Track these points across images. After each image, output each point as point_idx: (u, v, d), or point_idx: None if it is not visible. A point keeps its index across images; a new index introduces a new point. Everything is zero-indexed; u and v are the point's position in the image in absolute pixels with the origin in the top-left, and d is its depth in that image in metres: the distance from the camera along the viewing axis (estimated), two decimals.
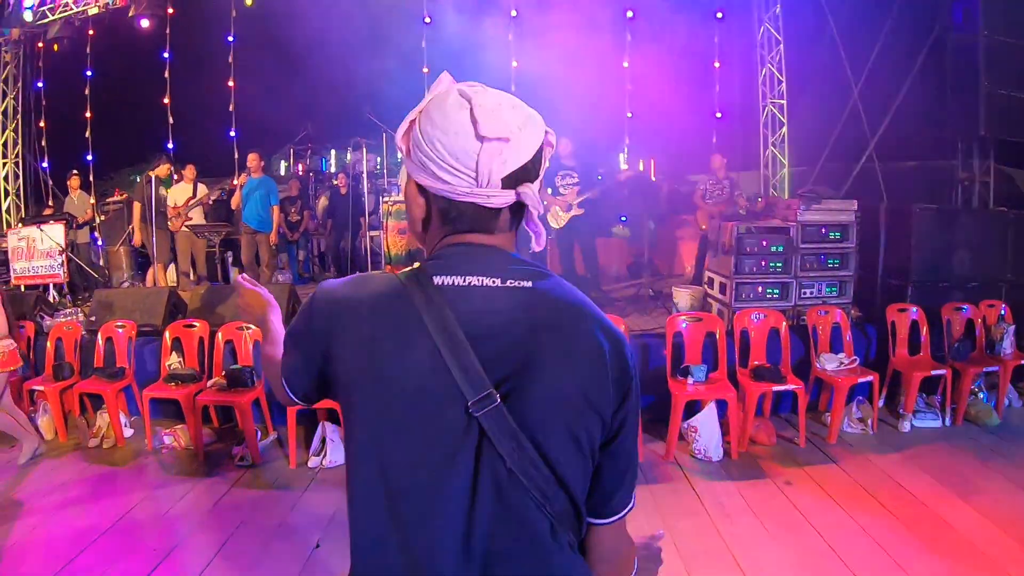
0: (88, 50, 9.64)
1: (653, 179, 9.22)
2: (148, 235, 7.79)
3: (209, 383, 5.04)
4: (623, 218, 7.59)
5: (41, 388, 5.41)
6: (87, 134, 9.71)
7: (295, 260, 9.12)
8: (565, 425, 0.99)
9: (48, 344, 5.68)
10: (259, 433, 4.96)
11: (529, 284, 1.02)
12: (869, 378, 4.50)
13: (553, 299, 1.02)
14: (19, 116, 9.95)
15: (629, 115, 7.78)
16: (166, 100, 9.10)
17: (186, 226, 7.69)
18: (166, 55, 9.12)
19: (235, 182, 7.69)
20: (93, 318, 6.17)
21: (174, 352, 5.39)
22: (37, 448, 4.76)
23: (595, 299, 5.51)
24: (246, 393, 4.75)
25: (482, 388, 0.96)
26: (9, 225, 9.28)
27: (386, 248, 6.34)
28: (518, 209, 1.05)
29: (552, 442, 0.98)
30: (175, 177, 8.13)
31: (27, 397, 5.54)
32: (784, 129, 8.11)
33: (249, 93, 8.48)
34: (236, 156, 9.00)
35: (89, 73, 9.72)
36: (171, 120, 9.22)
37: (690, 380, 4.29)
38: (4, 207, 10.21)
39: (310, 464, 4.50)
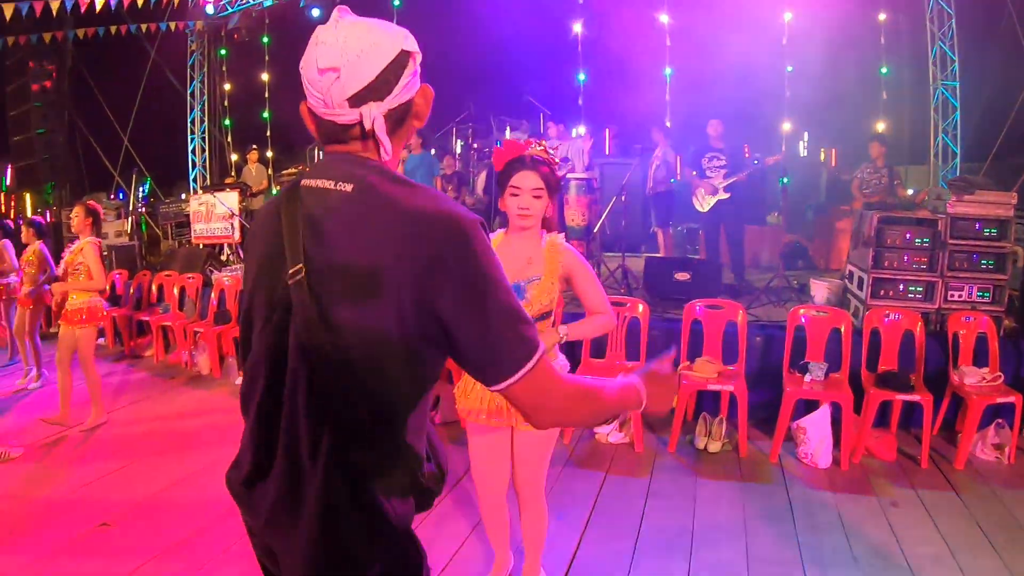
0: (266, 38, 10.95)
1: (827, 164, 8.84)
2: None
3: None
4: (780, 205, 7.30)
5: (201, 330, 6.49)
6: (266, 112, 10.92)
7: None
8: (353, 299, 1.10)
9: (212, 294, 6.78)
10: None
11: (350, 188, 1.15)
12: (1012, 399, 3.90)
13: (369, 196, 1.14)
14: (205, 98, 11.42)
15: (787, 95, 7.44)
16: None
17: None
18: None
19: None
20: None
21: None
22: (101, 420, 5.00)
23: (734, 287, 5.45)
24: None
25: (296, 263, 1.13)
26: (195, 192, 10.63)
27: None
28: (395, 118, 1.20)
29: (344, 316, 1.10)
30: None
31: (191, 337, 6.53)
32: (957, 115, 7.43)
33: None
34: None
35: (266, 59, 10.93)
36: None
37: (807, 377, 4.07)
38: (192, 176, 11.80)
39: None
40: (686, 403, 4.21)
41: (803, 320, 4.28)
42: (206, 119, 11.66)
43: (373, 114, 1.14)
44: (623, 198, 6.01)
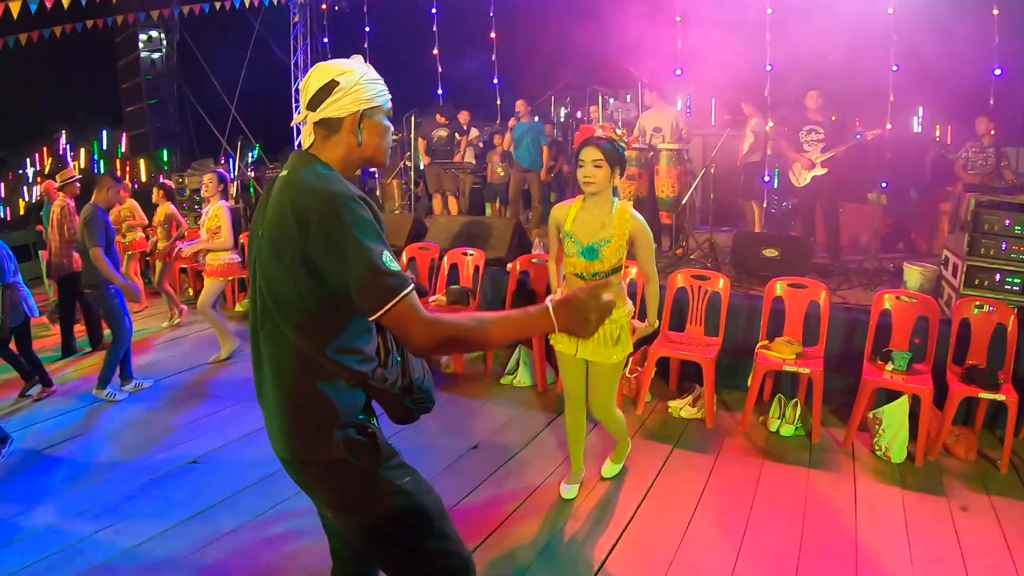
0: (365, 8, 11.20)
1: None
2: (432, 172, 8.97)
3: (432, 299, 5.82)
4: (883, 184, 6.88)
5: None
6: None
7: (547, 202, 9.28)
8: (272, 256, 1.61)
9: None
10: None
11: (286, 173, 1.68)
12: None
13: (290, 176, 1.65)
14: (308, 68, 11.90)
15: (894, 68, 6.97)
16: (435, 51, 10.22)
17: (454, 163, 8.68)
18: (434, 10, 10.26)
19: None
20: None
21: (409, 270, 6.29)
22: (235, 349, 5.92)
23: (825, 267, 5.47)
24: (460, 311, 5.43)
25: (258, 229, 1.69)
26: None
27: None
28: (327, 128, 1.69)
29: (267, 267, 1.63)
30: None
31: None
32: None
33: (510, 43, 9.16)
34: (499, 102, 9.74)
35: (367, 29, 11.24)
36: (440, 69, 10.32)
37: (888, 366, 3.85)
38: (297, 143, 12.40)
39: (501, 381, 5.07)
40: (760, 382, 4.15)
41: (888, 306, 4.08)
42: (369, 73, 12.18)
43: (310, 117, 1.69)
44: (712, 170, 5.87)
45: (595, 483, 3.57)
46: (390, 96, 1.74)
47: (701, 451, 3.88)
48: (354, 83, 1.66)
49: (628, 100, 8.91)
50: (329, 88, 1.65)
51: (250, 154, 13.96)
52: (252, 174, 11.43)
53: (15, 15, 7.66)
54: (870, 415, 3.86)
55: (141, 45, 15.11)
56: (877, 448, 3.78)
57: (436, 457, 3.90)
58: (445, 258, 6.06)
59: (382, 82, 1.74)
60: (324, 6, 11.66)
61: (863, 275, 5.34)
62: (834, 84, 5.94)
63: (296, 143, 12.26)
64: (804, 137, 5.72)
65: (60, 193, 6.38)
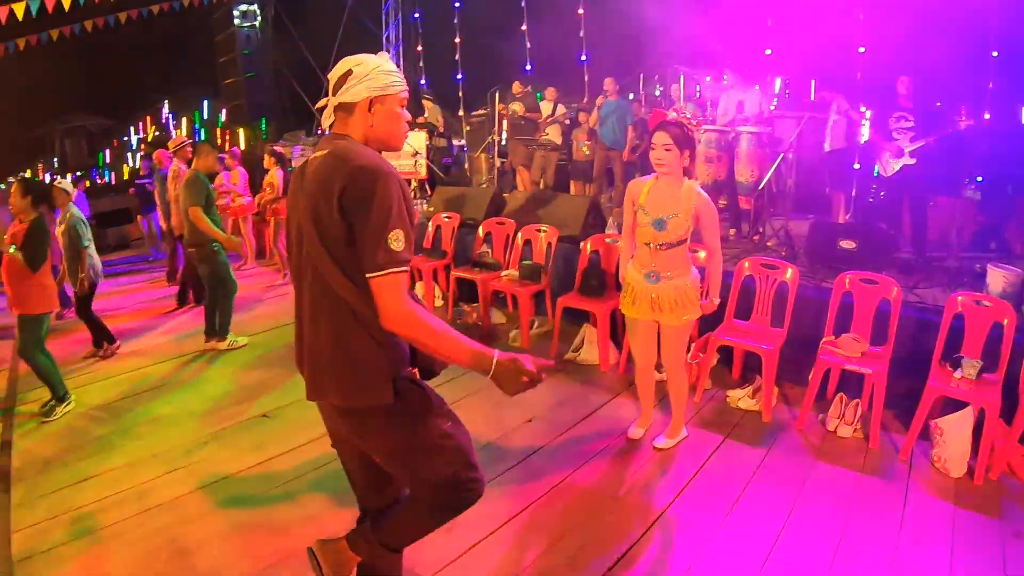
0: None
1: None
2: (512, 147, 9.06)
3: (504, 273, 5.92)
4: (978, 178, 6.40)
5: None
6: (456, 56, 11.34)
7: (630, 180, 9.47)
8: (317, 224, 1.81)
9: None
10: (535, 323, 5.77)
11: (323, 152, 1.88)
12: None
13: (330, 154, 1.84)
14: (400, 42, 12.11)
15: (995, 54, 6.41)
16: (524, 27, 10.15)
17: (536, 140, 8.71)
18: None
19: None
20: (431, 208, 7.56)
21: (486, 243, 6.41)
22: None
23: (907, 262, 5.29)
24: (530, 286, 5.51)
25: (295, 204, 1.94)
26: None
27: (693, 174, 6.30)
28: (345, 111, 1.93)
29: (314, 234, 1.82)
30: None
31: None
32: None
33: (597, 20, 8.98)
34: (586, 79, 9.64)
35: (457, 4, 11.22)
36: (528, 45, 10.27)
37: (957, 373, 3.60)
38: None
39: (566, 357, 5.12)
40: (822, 379, 3.99)
41: (962, 309, 3.79)
42: (401, 62, 12.40)
43: (331, 103, 1.94)
44: (790, 155, 5.62)
45: (640, 463, 3.61)
46: (406, 87, 1.94)
47: (753, 444, 3.80)
48: (367, 72, 1.89)
49: (709, 80, 8.62)
50: (345, 76, 1.90)
51: None
52: None
53: None
54: (932, 423, 3.63)
55: (236, 21, 15.82)
56: (936, 459, 3.55)
57: (489, 427, 4.05)
58: (520, 233, 6.14)
59: (397, 73, 1.94)
60: None
61: (946, 274, 4.98)
62: (928, 69, 5.53)
63: None
64: (893, 124, 5.34)
65: (174, 158, 6.89)
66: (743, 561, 2.82)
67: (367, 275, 1.77)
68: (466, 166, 10.74)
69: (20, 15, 8.11)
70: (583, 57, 8.99)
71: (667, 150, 3.23)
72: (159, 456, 3.85)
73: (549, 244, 5.81)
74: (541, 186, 9.08)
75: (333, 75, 1.93)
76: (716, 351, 4.60)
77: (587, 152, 8.78)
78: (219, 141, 18.36)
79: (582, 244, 5.54)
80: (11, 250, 4.46)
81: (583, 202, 6.43)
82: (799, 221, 6.06)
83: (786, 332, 4.28)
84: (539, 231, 5.94)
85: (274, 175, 8.12)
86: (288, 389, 4.68)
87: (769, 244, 5.71)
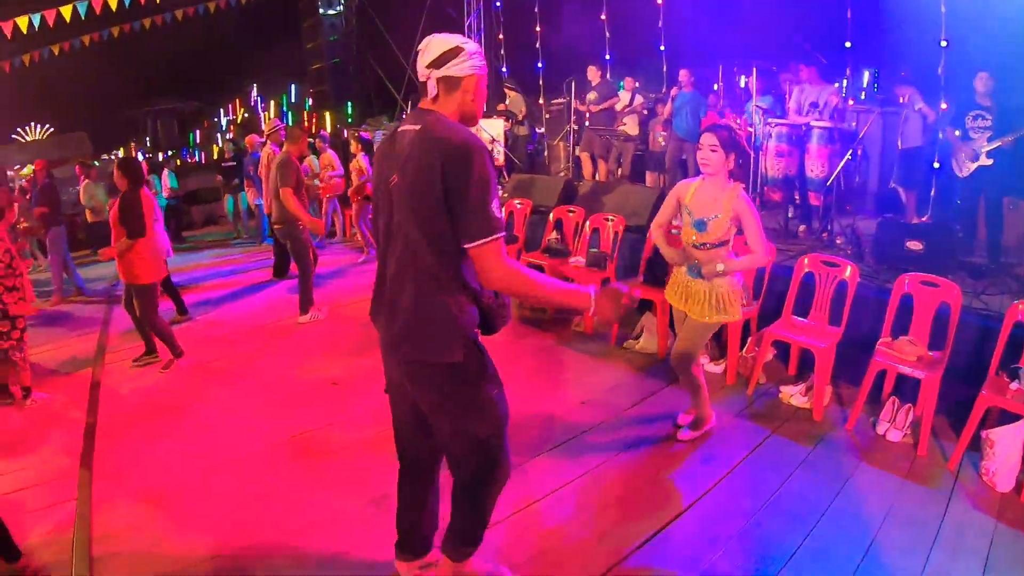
0: None
1: None
2: (585, 135, 9.12)
3: (572, 260, 6.06)
4: None
5: None
6: (537, 45, 11.42)
7: None
8: (413, 197, 2.01)
9: None
10: None
11: (417, 127, 2.05)
12: None
13: (423, 130, 2.02)
14: (482, 30, 12.24)
15: None
16: (603, 16, 10.11)
17: (615, 131, 8.75)
18: None
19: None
20: (505, 195, 7.76)
21: (555, 230, 6.55)
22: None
23: (979, 266, 5.19)
24: (598, 274, 5.62)
25: (392, 174, 2.10)
26: None
27: (763, 168, 6.23)
28: (448, 84, 2.08)
29: (403, 205, 2.05)
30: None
31: None
32: None
33: (677, 9, 8.84)
34: (665, 69, 9.56)
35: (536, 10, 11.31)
36: (608, 35, 10.23)
37: (1013, 384, 3.44)
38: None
39: (624, 344, 5.24)
40: (873, 380, 3.92)
41: (1023, 318, 3.61)
42: (484, 49, 12.58)
43: (433, 74, 2.07)
44: (859, 151, 5.45)
45: (684, 450, 3.70)
46: None
47: (799, 441, 3.79)
48: (474, 51, 2.09)
49: (786, 73, 8.36)
50: (454, 52, 2.06)
51: None
52: None
53: None
54: (984, 434, 3.48)
55: (322, 9, 16.36)
56: (984, 472, 3.41)
57: (544, 406, 4.22)
58: (588, 222, 6.26)
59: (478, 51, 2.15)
60: None
61: (1019, 281, 4.75)
62: (1008, 65, 5.20)
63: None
64: (970, 123, 5.10)
65: (267, 141, 7.35)
66: (770, 553, 2.87)
67: (474, 243, 1.96)
68: (545, 154, 10.86)
69: (114, 6, 8.76)
70: (662, 47, 8.89)
71: (712, 151, 3.32)
72: (232, 415, 4.29)
73: (616, 233, 5.89)
74: (619, 175, 9.11)
75: (435, 49, 2.07)
76: (772, 346, 4.61)
77: (663, 143, 8.73)
78: (306, 124, 19.14)
79: (648, 234, 5.60)
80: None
81: (651, 192, 6.47)
82: (870, 220, 5.90)
83: (842, 331, 4.24)
84: (607, 220, 6.03)
85: (360, 161, 8.50)
86: (357, 362, 5.01)
87: (838, 242, 5.59)
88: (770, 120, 6.03)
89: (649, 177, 9.03)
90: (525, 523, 3.08)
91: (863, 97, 7.94)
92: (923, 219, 5.96)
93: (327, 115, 17.88)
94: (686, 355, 3.59)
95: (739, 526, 3.05)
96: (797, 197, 6.37)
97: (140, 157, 23.21)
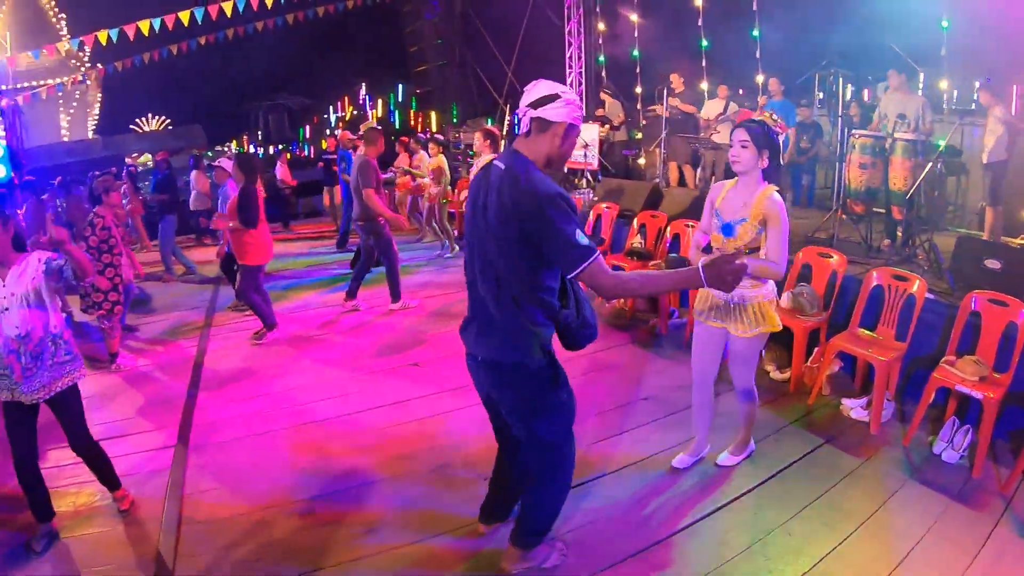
0: None
1: None
2: (669, 141, 9.19)
3: (652, 263, 6.22)
4: None
5: None
6: (635, 52, 11.45)
7: (799, 185, 8.88)
8: (499, 228, 2.30)
9: None
10: (675, 312, 6.05)
11: (503, 166, 2.34)
12: None
13: (508, 170, 2.30)
14: (581, 36, 12.43)
15: None
16: (700, 22, 9.97)
17: (708, 142, 8.77)
18: None
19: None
20: (595, 199, 7.97)
21: (639, 234, 6.72)
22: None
23: None
24: None
25: (478, 203, 2.41)
26: None
27: (847, 180, 6.07)
28: (541, 125, 2.33)
29: (491, 240, 2.34)
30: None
31: None
32: None
33: (775, 20, 8.64)
34: (760, 79, 9.42)
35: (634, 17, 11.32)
36: (704, 42, 10.10)
37: None
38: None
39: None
40: (931, 398, 3.84)
41: None
42: (583, 55, 12.72)
43: (529, 113, 2.32)
44: (939, 165, 5.22)
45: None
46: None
47: (851, 453, 3.79)
48: (572, 101, 2.34)
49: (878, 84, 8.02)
50: (553, 98, 2.30)
51: None
52: None
53: None
54: None
55: (424, 12, 16.93)
56: None
57: (610, 398, 4.51)
58: (669, 227, 6.39)
59: (578, 104, 2.39)
60: None
61: None
62: None
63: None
64: None
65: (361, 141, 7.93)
66: (798, 557, 2.94)
67: (575, 270, 2.22)
68: (641, 160, 10.93)
69: (229, 11, 9.67)
70: (757, 55, 8.73)
71: (743, 147, 3.12)
72: (319, 385, 4.89)
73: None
74: (691, 180, 9.09)
75: (538, 91, 2.32)
76: (839, 359, 4.60)
77: None
78: (412, 123, 19.90)
79: None
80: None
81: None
82: (950, 236, 5.67)
83: (907, 346, 4.19)
84: (687, 226, 6.14)
85: (437, 161, 8.98)
86: (437, 346, 5.50)
87: (919, 257, 5.42)
88: (854, 132, 5.89)
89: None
90: (572, 502, 3.31)
91: (945, 108, 7.53)
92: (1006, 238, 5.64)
93: (433, 115, 18.55)
94: (745, 377, 3.45)
95: (771, 528, 3.15)
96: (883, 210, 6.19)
97: (251, 150, 24.88)
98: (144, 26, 9.38)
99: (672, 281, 2.44)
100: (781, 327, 3.36)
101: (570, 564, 2.91)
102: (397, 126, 20.33)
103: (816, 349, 4.78)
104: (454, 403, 4.38)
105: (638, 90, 11.51)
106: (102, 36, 9.57)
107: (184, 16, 9.28)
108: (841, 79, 6.05)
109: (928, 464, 3.72)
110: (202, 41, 11.03)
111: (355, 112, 24.59)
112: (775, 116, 3.31)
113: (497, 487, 3.06)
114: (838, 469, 3.65)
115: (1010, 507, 3.31)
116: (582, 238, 2.21)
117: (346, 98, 25.06)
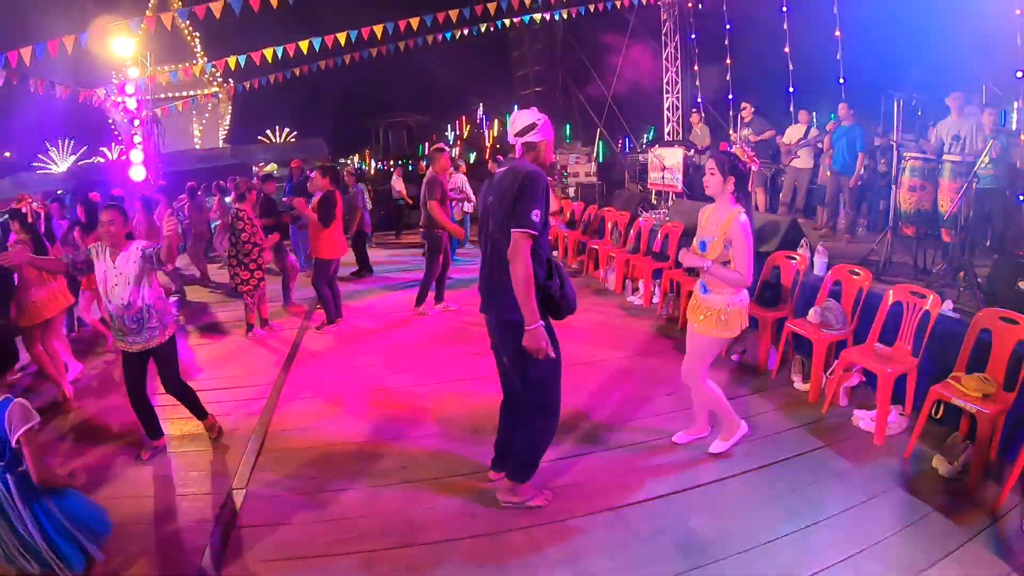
0: (724, 7, 11.29)
1: None
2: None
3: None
4: None
5: (614, 255, 8.05)
6: (727, 77, 11.47)
7: (876, 209, 8.35)
8: (497, 209, 2.97)
9: (632, 230, 8.31)
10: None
11: (506, 168, 3.06)
12: None
13: (510, 168, 3.00)
14: (678, 61, 12.51)
15: None
16: (786, 48, 9.93)
17: (789, 165, 8.75)
18: (784, 8, 9.91)
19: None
20: (667, 218, 8.19)
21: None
22: None
23: None
24: None
25: (487, 199, 3.13)
26: (652, 146, 12.07)
27: (898, 202, 5.96)
28: (528, 147, 3.07)
29: (494, 217, 3.02)
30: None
31: (604, 258, 8.17)
32: None
33: (855, 43, 8.47)
34: (842, 102, 9.27)
35: (728, 26, 11.30)
36: (791, 67, 10.04)
37: None
38: (667, 131, 13.25)
39: (732, 355, 5.51)
40: (931, 409, 3.76)
41: None
42: (680, 80, 12.86)
43: (518, 141, 3.04)
44: (975, 185, 4.99)
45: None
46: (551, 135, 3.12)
47: (845, 457, 3.81)
48: (543, 125, 3.07)
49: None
50: (532, 126, 3.05)
51: (644, 136, 15.30)
52: (640, 154, 12.34)
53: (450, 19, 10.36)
54: None
55: (527, 41, 17.49)
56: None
57: (633, 390, 4.87)
58: None
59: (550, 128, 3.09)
60: (690, 4, 12.10)
61: None
62: None
63: (666, 131, 13.08)
64: None
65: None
66: (751, 535, 3.11)
67: (515, 229, 2.83)
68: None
69: (372, 36, 10.64)
70: (841, 80, 8.57)
71: (711, 173, 3.49)
72: (392, 363, 5.64)
73: None
74: (762, 205, 9.01)
75: (519, 123, 3.04)
76: (860, 373, 4.60)
77: (829, 175, 8.46)
78: None
79: (767, 259, 5.77)
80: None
81: (784, 222, 6.53)
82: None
83: (919, 361, 4.14)
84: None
85: None
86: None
87: (960, 276, 5.21)
88: (905, 154, 5.75)
89: (819, 212, 8.72)
90: (568, 463, 3.82)
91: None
92: None
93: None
94: (693, 369, 3.75)
95: (735, 509, 3.35)
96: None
97: (373, 164, 26.28)
98: (268, 53, 10.57)
99: (527, 307, 2.89)
100: (739, 333, 3.64)
101: (552, 508, 3.34)
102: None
103: (835, 363, 4.77)
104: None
105: (731, 114, 11.52)
106: (231, 62, 10.91)
107: (304, 45, 10.35)
108: (898, 102, 5.91)
109: (923, 476, 3.64)
110: (322, 66, 12.12)
111: (472, 131, 25.62)
112: (746, 149, 3.63)
113: (502, 435, 3.56)
114: (826, 470, 3.70)
115: (995, 525, 3.19)
116: (535, 216, 2.83)
117: (464, 117, 26.19)
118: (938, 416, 3.87)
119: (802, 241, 6.18)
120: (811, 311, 4.85)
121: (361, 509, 3.45)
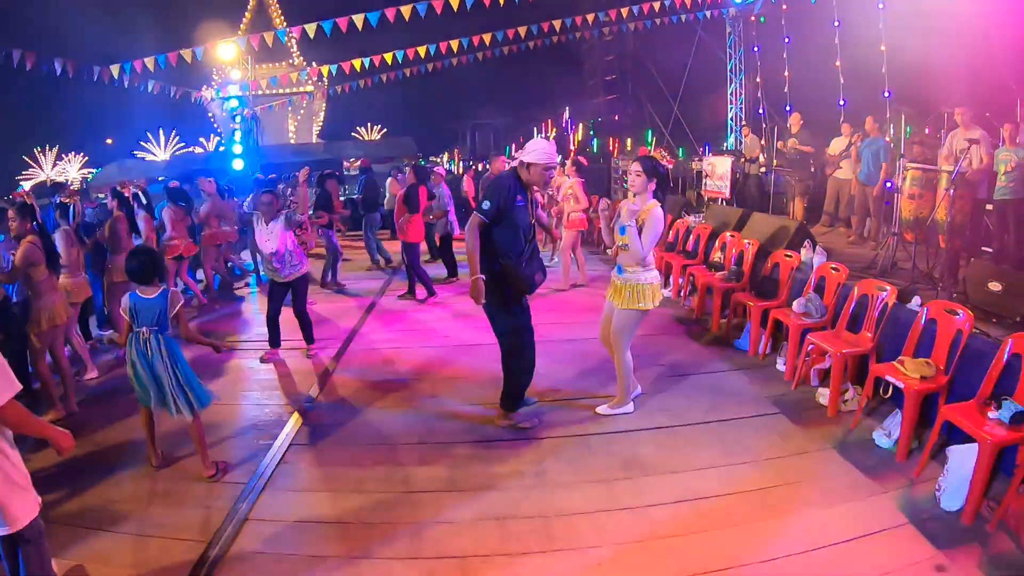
0: (783, 21, 11.34)
1: None
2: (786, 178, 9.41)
3: (719, 273, 6.83)
4: None
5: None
6: (786, 89, 11.61)
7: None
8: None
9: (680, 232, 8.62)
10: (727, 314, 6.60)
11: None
12: None
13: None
14: (743, 72, 12.69)
15: None
16: (837, 63, 10.02)
17: (832, 176, 8.96)
18: (836, 23, 9.89)
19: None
20: (702, 220, 8.64)
21: (721, 251, 7.34)
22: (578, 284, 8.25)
23: None
24: (729, 284, 6.45)
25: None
26: (706, 154, 12.31)
27: (900, 210, 6.15)
28: (523, 166, 3.95)
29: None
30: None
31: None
32: None
33: (901, 57, 8.50)
34: (887, 115, 9.35)
35: (786, 40, 11.32)
36: (842, 80, 10.11)
37: (992, 413, 3.22)
38: (729, 140, 13.42)
39: (735, 341, 6.00)
40: (872, 386, 4.12)
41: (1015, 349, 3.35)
42: (743, 92, 13.06)
43: (519, 160, 3.95)
44: (951, 191, 5.08)
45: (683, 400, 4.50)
46: (551, 161, 3.91)
47: (797, 424, 4.19)
48: (544, 152, 3.89)
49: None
50: (532, 151, 3.88)
51: (724, 143, 15.46)
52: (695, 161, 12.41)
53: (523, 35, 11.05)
54: (948, 450, 3.41)
55: (598, 52, 17.91)
56: (937, 488, 3.33)
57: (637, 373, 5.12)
58: (750, 247, 6.91)
59: (548, 153, 3.90)
60: (753, 17, 12.30)
61: None
62: None
63: (728, 140, 13.28)
64: None
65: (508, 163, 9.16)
66: (679, 467, 3.67)
67: (475, 216, 3.79)
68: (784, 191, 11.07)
69: (422, 53, 11.42)
70: (886, 93, 8.64)
71: (637, 176, 4.06)
72: (447, 327, 6.71)
73: (748, 253, 6.56)
74: (800, 213, 9.19)
75: (529, 148, 3.92)
76: (823, 355, 4.79)
77: (856, 185, 8.63)
78: (609, 147, 20.93)
79: (768, 257, 6.18)
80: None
81: (793, 225, 6.92)
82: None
83: (873, 345, 4.42)
84: (746, 243, 6.68)
85: (574, 186, 9.41)
86: (547, 313, 6.85)
87: (935, 275, 5.39)
88: (907, 164, 6.00)
89: (854, 221, 8.75)
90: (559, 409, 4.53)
91: None
92: None
93: (628, 140, 19.50)
94: (617, 339, 4.25)
95: (675, 445, 3.94)
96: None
97: (460, 163, 27.14)
98: (357, 64, 11.67)
99: (471, 264, 3.79)
100: (652, 308, 4.17)
101: (534, 432, 4.19)
102: (595, 149, 21.50)
103: (803, 348, 4.97)
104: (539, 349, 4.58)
105: (788, 125, 11.62)
106: (324, 70, 12.10)
107: (388, 57, 11.37)
108: (904, 116, 6.10)
109: (860, 444, 3.92)
110: (407, 73, 13.08)
111: (560, 134, 26.15)
112: (664, 153, 4.28)
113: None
114: (775, 430, 4.10)
115: (912, 488, 3.44)
116: (484, 204, 3.76)
117: (549, 121, 26.79)
118: (887, 396, 4.23)
119: (805, 242, 6.54)
120: (795, 302, 5.25)
121: (395, 419, 4.49)
